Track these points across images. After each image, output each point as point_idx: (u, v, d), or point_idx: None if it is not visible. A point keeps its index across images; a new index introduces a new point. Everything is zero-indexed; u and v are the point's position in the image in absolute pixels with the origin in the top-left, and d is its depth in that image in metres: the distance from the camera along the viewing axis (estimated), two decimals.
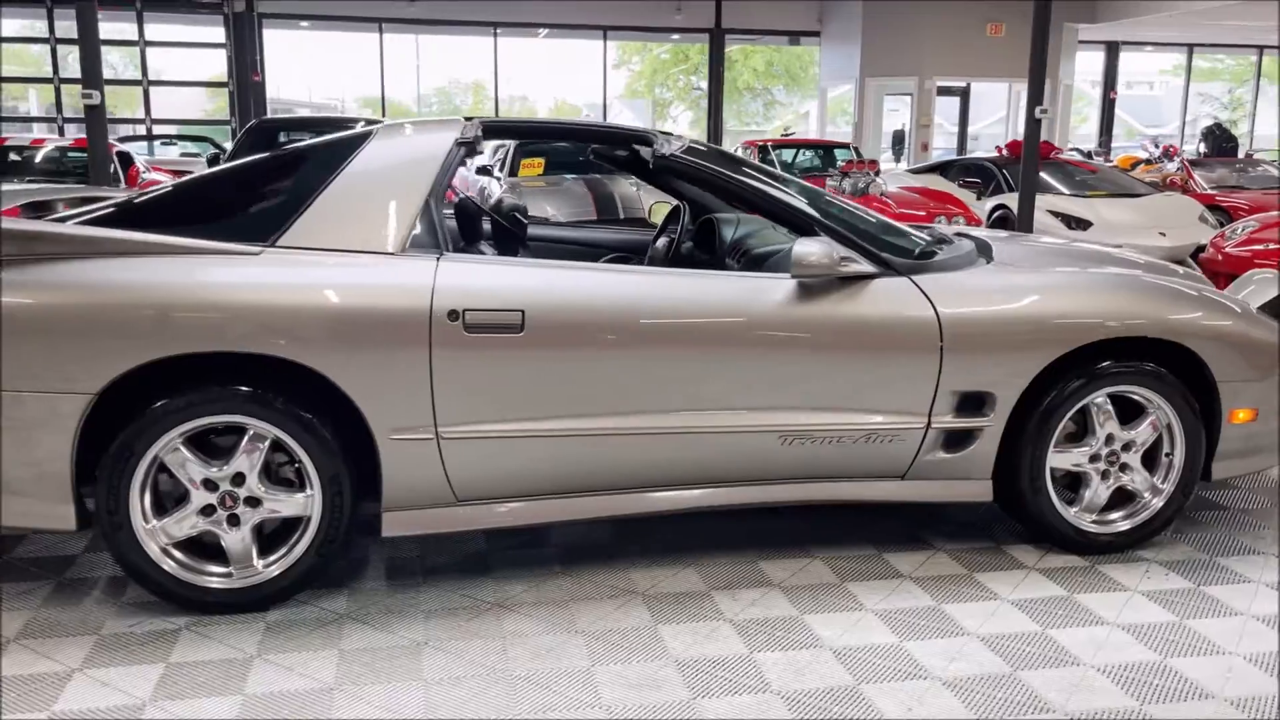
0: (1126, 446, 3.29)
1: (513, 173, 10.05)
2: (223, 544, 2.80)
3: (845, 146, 11.93)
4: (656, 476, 3.04)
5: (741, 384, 3.01)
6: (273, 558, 2.84)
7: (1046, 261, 3.60)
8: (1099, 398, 3.23)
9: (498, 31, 19.44)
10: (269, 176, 3.07)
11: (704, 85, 42.67)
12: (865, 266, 3.10)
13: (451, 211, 3.82)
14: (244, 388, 2.73)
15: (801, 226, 3.18)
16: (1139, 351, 3.27)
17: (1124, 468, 3.30)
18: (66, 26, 16.99)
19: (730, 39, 20.17)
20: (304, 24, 19.86)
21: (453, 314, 2.79)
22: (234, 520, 2.79)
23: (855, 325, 3.05)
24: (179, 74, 20.09)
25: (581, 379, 2.90)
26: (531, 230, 4.39)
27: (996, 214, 10.94)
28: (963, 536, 3.47)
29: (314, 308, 2.73)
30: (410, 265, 2.84)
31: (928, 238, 3.60)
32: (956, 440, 3.19)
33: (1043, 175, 11.49)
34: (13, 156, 10.34)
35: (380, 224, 2.88)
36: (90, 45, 7.90)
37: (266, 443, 2.77)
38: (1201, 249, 8.51)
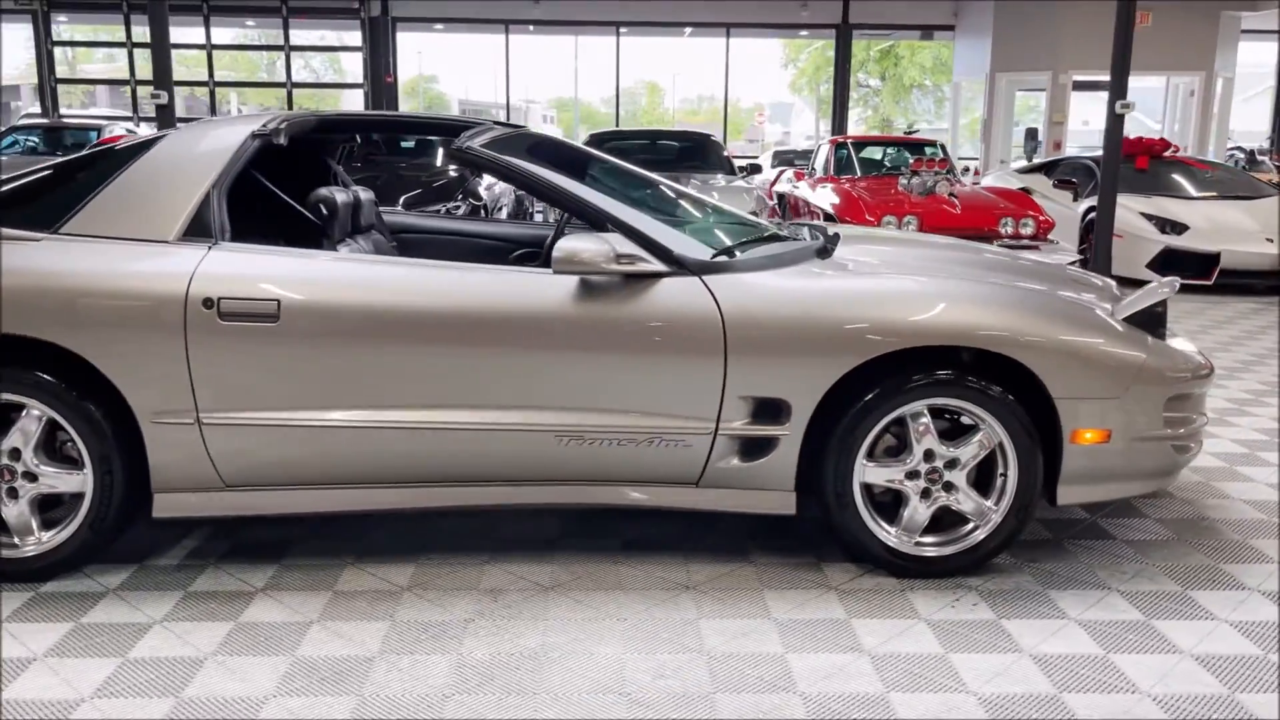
0: (951, 464, 3.05)
1: None
2: (2, 514, 2.97)
3: (932, 144, 11.42)
4: (428, 472, 3.03)
5: (510, 380, 2.96)
6: (51, 532, 2.99)
7: (898, 267, 3.37)
8: (916, 411, 3.01)
9: (621, 31, 19.60)
10: (78, 169, 3.22)
11: (872, 83, 41.70)
12: (653, 265, 2.98)
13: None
14: (20, 369, 2.88)
15: (594, 222, 3.10)
16: (980, 364, 3.04)
17: (949, 487, 3.07)
18: (221, 35, 18.22)
19: (858, 34, 19.65)
20: (438, 26, 20.60)
21: (208, 302, 2.86)
22: (13, 493, 2.95)
23: (635, 325, 2.95)
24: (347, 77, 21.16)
25: (339, 371, 2.92)
26: (436, 225, 4.45)
27: (1090, 216, 10.26)
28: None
29: (78, 293, 2.86)
30: (178, 253, 2.93)
31: (765, 235, 3.45)
32: (753, 448, 3.04)
33: (1146, 175, 10.73)
34: None
35: (158, 213, 2.98)
36: (161, 48, 8.45)
37: (43, 421, 2.92)
38: None
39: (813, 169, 11.42)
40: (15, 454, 2.93)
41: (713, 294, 2.97)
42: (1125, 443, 3.08)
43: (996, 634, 2.77)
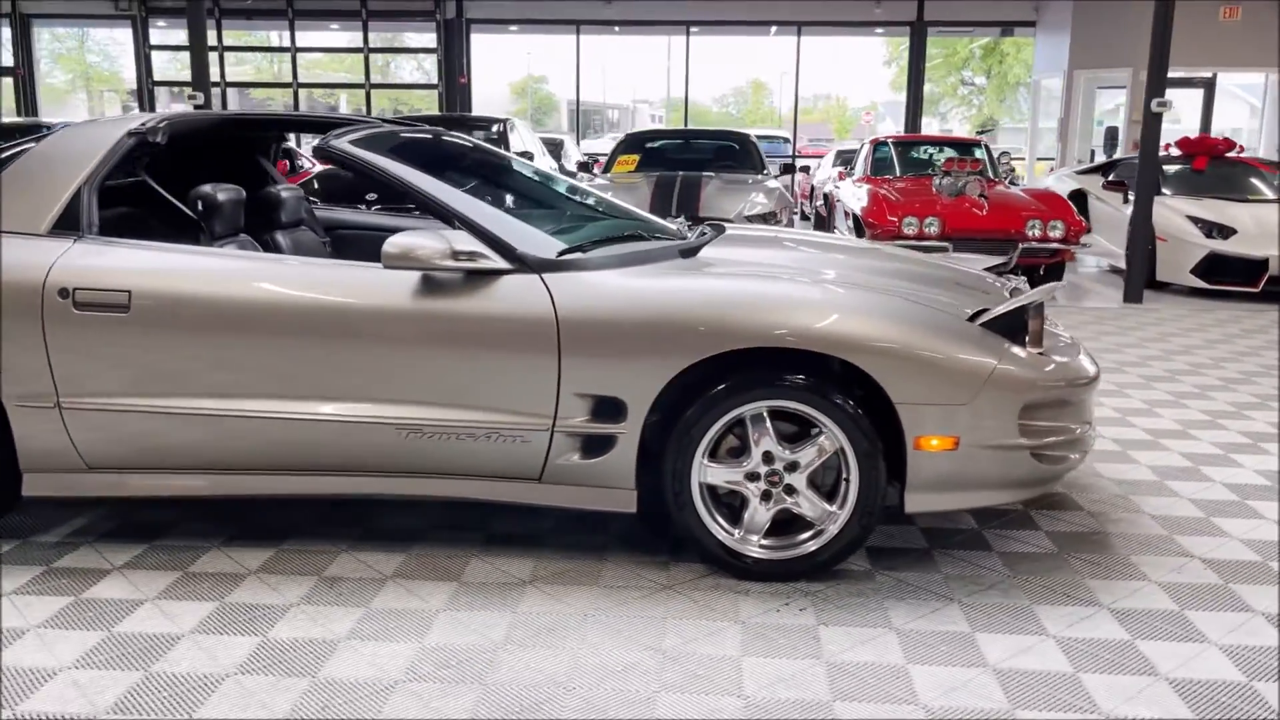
0: (792, 468, 3.02)
1: (607, 169, 10.23)
2: None
3: (977, 144, 11.11)
4: (279, 460, 3.13)
5: (351, 374, 3.04)
6: None
7: (765, 269, 3.32)
8: (756, 413, 2.99)
9: (691, 30, 19.59)
10: None
11: (977, 80, 40.70)
12: (494, 262, 3.02)
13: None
14: None
15: (443, 217, 3.16)
16: (844, 370, 3.01)
17: (790, 490, 3.04)
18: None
19: (934, 32, 19.22)
20: (512, 28, 20.92)
21: (63, 292, 3.02)
22: None
23: (472, 321, 3.00)
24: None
25: (188, 360, 3.05)
26: (375, 221, 4.56)
27: None
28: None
29: None
30: (43, 245, 3.10)
31: (631, 233, 3.46)
32: (594, 446, 3.05)
33: (1204, 176, 10.28)
34: None
35: (31, 207, 3.16)
36: (199, 50, 8.83)
37: None
38: None
39: (852, 169, 11.26)
40: None
41: (550, 292, 3.00)
42: (975, 450, 3.00)
43: (807, 638, 2.74)
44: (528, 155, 9.96)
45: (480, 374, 3.02)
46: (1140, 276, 8.84)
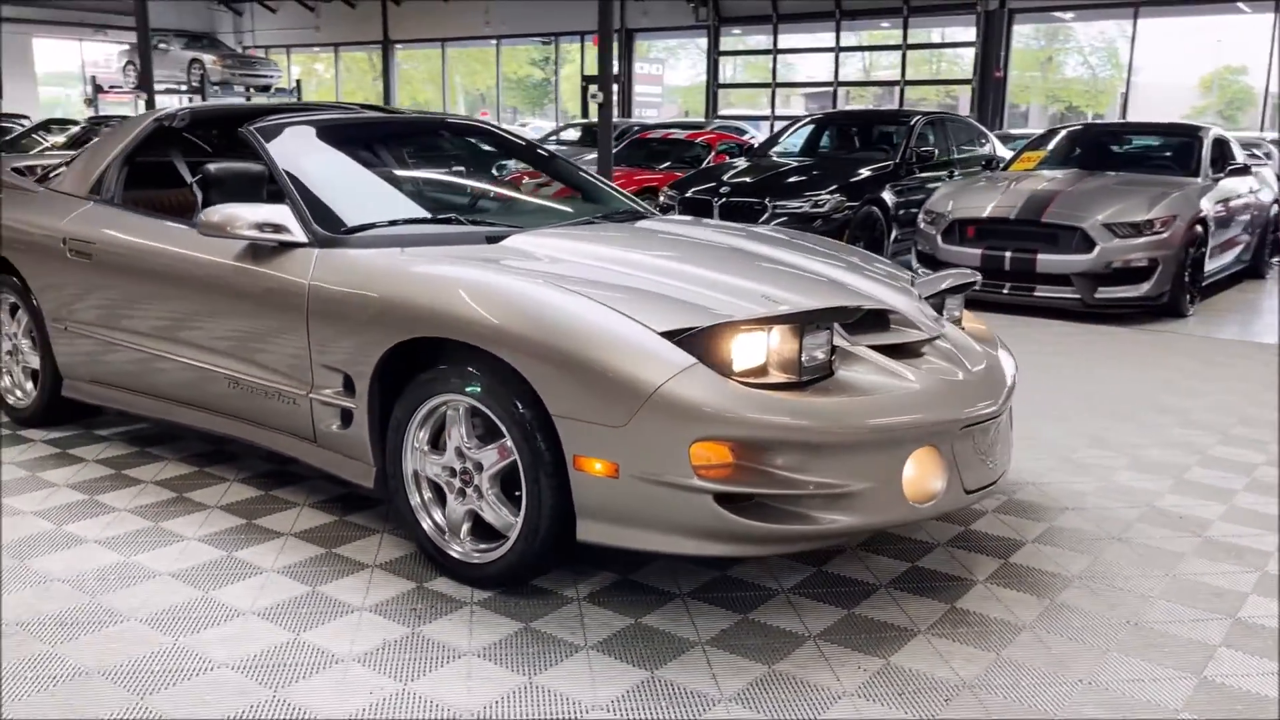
0: (479, 467, 2.87)
1: (1006, 166, 9.27)
2: None
3: None
4: (174, 393, 3.72)
5: (193, 324, 3.54)
6: None
7: (550, 264, 3.07)
8: (456, 407, 2.89)
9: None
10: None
11: None
12: (290, 236, 3.25)
13: None
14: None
15: (285, 194, 3.42)
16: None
17: (480, 492, 2.88)
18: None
19: None
20: (1065, 15, 19.22)
21: (64, 240, 3.93)
22: None
23: (267, 288, 3.29)
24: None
25: (120, 301, 3.80)
26: None
27: None
28: None
29: (23, 229, 4.12)
30: (72, 205, 4.02)
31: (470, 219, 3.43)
32: (346, 417, 3.18)
33: None
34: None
35: (83, 174, 4.12)
36: (605, 49, 9.79)
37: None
38: None
39: None
40: None
41: (314, 266, 3.18)
42: (637, 483, 2.58)
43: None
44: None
45: (268, 338, 3.31)
46: None
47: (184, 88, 25.91)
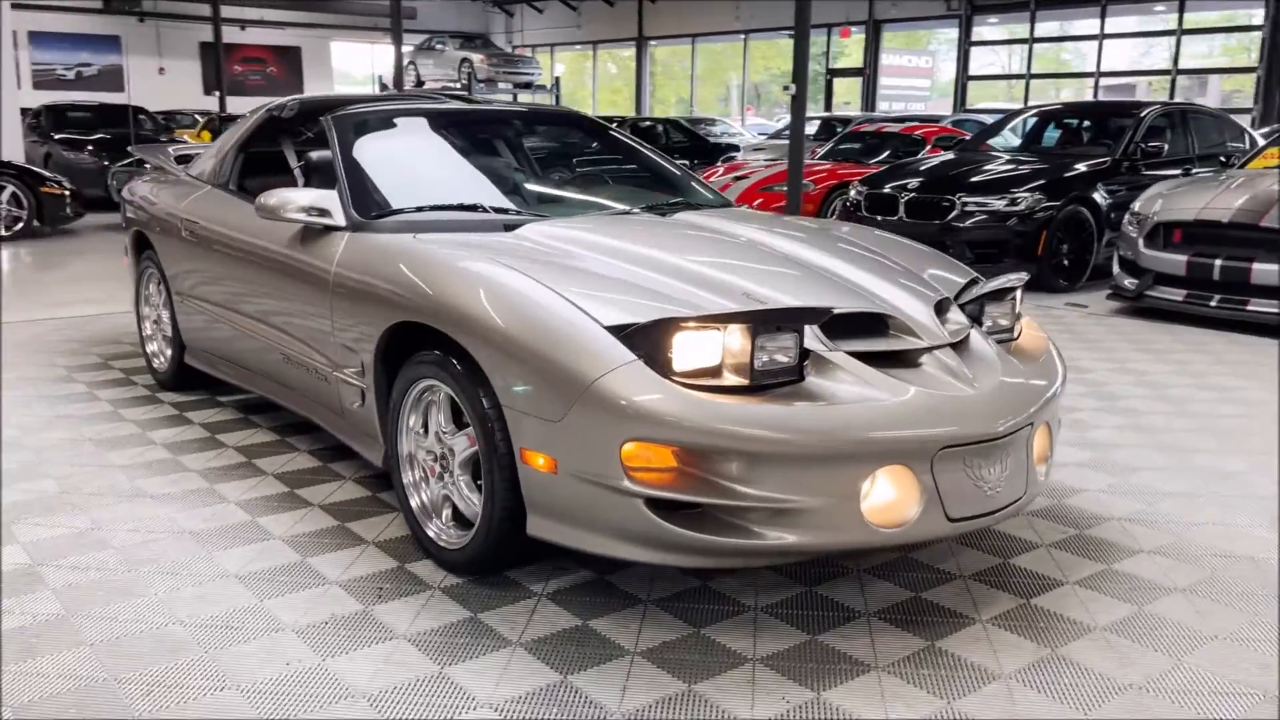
0: (452, 452, 2.88)
1: (1244, 164, 8.22)
2: None
3: None
4: (245, 362, 4.00)
5: (258, 300, 3.77)
6: None
7: (557, 254, 3.02)
8: (435, 391, 2.91)
9: None
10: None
11: None
12: (332, 220, 3.37)
13: None
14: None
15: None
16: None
17: (454, 477, 2.89)
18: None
19: None
20: None
21: (180, 220, 4.28)
22: None
23: (305, 269, 3.45)
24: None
25: (209, 276, 4.11)
26: None
27: None
28: None
29: (155, 209, 4.54)
30: (192, 189, 4.38)
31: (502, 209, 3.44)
32: (363, 396, 3.27)
33: None
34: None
35: (207, 163, 4.48)
36: (801, 44, 9.53)
37: None
38: None
39: None
40: None
41: (341, 249, 3.30)
42: (572, 481, 2.50)
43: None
44: None
45: (308, 316, 3.46)
46: None
47: (458, 85, 27.63)
